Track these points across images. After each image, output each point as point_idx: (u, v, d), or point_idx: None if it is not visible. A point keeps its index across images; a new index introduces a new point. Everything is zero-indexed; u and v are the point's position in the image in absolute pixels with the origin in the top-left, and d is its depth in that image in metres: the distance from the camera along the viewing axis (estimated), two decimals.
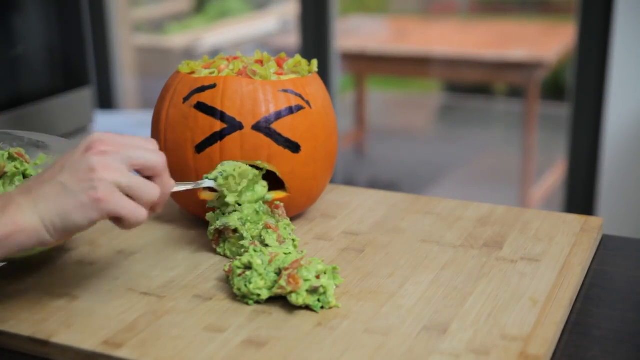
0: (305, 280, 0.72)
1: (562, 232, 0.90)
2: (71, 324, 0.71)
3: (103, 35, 2.85)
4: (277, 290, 0.72)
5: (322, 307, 0.73)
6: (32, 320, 0.72)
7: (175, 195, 0.93)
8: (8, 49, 1.43)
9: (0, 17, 1.41)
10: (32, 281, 0.80)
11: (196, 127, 0.87)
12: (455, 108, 4.04)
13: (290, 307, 0.73)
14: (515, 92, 3.70)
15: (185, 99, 0.88)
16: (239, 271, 0.75)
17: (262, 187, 0.88)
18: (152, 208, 0.72)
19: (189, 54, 3.64)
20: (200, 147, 0.87)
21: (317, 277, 0.74)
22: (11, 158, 0.87)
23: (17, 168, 0.86)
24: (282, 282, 0.71)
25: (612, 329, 0.72)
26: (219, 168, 0.82)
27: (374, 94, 4.03)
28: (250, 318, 0.71)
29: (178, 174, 0.89)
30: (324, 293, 0.73)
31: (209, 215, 0.84)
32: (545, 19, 3.77)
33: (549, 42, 3.24)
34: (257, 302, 0.74)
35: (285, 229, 0.82)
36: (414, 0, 4.22)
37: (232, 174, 0.81)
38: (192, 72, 0.91)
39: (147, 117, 2.47)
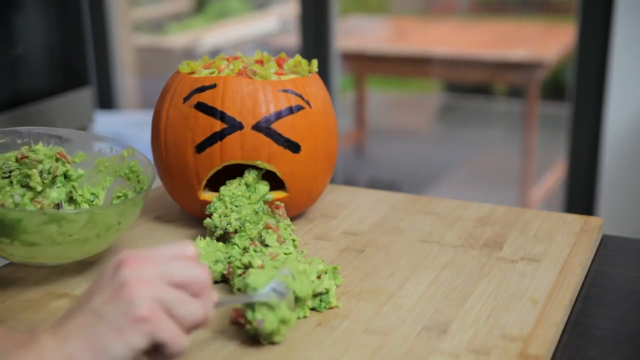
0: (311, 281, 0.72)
1: (562, 232, 0.90)
2: None
3: (103, 35, 2.85)
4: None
5: (323, 307, 0.73)
6: (32, 320, 0.72)
7: (176, 195, 0.93)
8: (8, 49, 1.43)
9: (0, 17, 1.41)
10: (32, 281, 0.80)
11: (196, 127, 0.87)
12: (455, 108, 4.04)
13: None
14: (515, 92, 3.70)
15: (186, 99, 0.88)
16: (239, 271, 0.75)
17: (263, 186, 0.88)
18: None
19: (189, 54, 3.64)
20: (201, 147, 0.87)
21: (318, 277, 0.74)
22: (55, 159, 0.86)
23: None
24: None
25: (612, 329, 0.72)
26: (275, 277, 0.68)
27: (374, 94, 4.03)
28: None
29: (178, 174, 0.89)
30: (325, 293, 0.73)
31: (206, 222, 0.84)
32: (545, 19, 3.77)
33: (549, 42, 3.24)
34: None
35: (285, 229, 0.82)
36: (414, 0, 4.22)
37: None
38: (192, 72, 0.91)
39: (147, 117, 2.47)
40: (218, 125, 0.86)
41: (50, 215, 0.73)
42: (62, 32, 1.55)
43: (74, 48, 1.59)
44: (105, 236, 0.77)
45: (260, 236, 0.81)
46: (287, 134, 0.87)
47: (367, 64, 3.33)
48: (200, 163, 0.88)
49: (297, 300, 0.69)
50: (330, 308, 0.73)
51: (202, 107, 0.87)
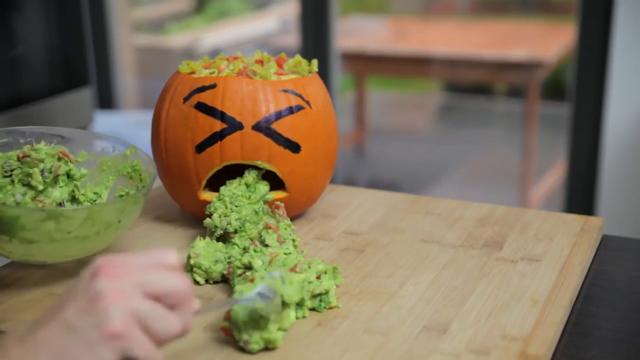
0: (309, 282, 0.72)
1: (562, 232, 0.90)
2: None
3: (103, 35, 2.85)
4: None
5: (323, 307, 0.73)
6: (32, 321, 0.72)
7: (176, 195, 0.93)
8: (8, 49, 1.43)
9: (0, 17, 1.41)
10: (32, 281, 0.80)
11: (196, 127, 0.87)
12: (455, 108, 4.04)
13: None
14: (515, 92, 3.70)
15: (186, 99, 0.88)
16: (239, 271, 0.75)
17: (263, 186, 0.88)
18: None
19: (189, 54, 3.64)
20: (201, 147, 0.87)
21: (318, 277, 0.74)
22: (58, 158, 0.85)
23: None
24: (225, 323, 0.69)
25: (612, 329, 0.71)
26: (259, 282, 0.68)
27: (374, 94, 4.03)
28: None
29: (178, 174, 0.89)
30: (325, 293, 0.73)
31: (206, 222, 0.84)
32: (545, 19, 3.77)
33: (549, 42, 3.25)
34: None
35: (285, 229, 0.82)
36: (414, 0, 4.22)
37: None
38: (192, 72, 0.91)
39: (147, 117, 2.47)
40: (218, 125, 0.86)
41: (48, 212, 0.72)
42: (62, 32, 1.55)
43: (74, 48, 1.59)
44: (104, 234, 0.77)
45: (260, 236, 0.81)
46: (287, 134, 0.87)
47: (367, 64, 3.33)
48: (200, 163, 0.87)
49: (284, 305, 0.67)
50: (330, 308, 0.73)
51: (202, 107, 0.87)
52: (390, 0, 4.28)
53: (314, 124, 0.89)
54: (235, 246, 0.82)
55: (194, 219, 0.96)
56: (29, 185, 0.82)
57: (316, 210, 0.98)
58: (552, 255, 0.84)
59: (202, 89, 0.87)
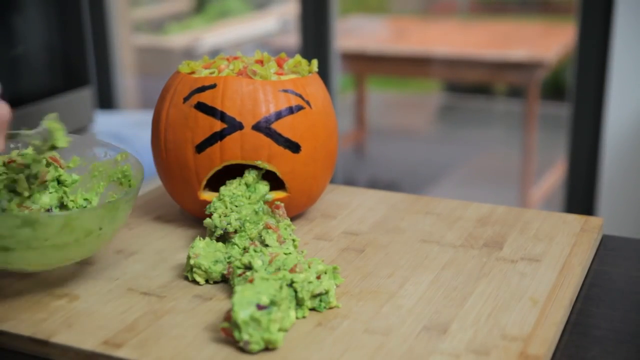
0: (309, 283, 0.72)
1: (562, 232, 0.90)
2: (71, 324, 0.71)
3: (103, 35, 2.86)
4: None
5: (323, 307, 0.73)
6: (32, 320, 0.72)
7: (176, 195, 0.93)
8: (8, 49, 1.43)
9: (0, 17, 1.41)
10: (32, 281, 0.80)
11: (196, 127, 0.87)
12: (455, 108, 4.05)
13: None
14: (515, 92, 3.71)
15: (186, 99, 0.88)
16: (239, 271, 0.75)
17: (263, 186, 0.88)
18: None
19: (189, 54, 3.64)
20: (201, 147, 0.87)
21: (318, 277, 0.74)
22: (47, 164, 0.84)
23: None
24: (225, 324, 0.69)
25: (612, 329, 0.72)
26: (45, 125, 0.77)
27: (374, 94, 4.03)
28: None
29: (178, 174, 0.89)
30: (325, 293, 0.73)
31: (206, 222, 0.84)
32: (545, 19, 3.77)
33: (549, 42, 3.25)
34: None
35: (285, 229, 0.82)
36: (414, 0, 4.23)
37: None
38: (192, 72, 0.91)
39: (147, 117, 2.47)
40: (218, 125, 0.86)
41: (22, 218, 0.70)
42: (62, 32, 1.55)
43: (74, 48, 1.59)
44: (85, 242, 0.74)
45: (260, 236, 0.81)
46: (287, 134, 0.87)
47: (367, 64, 3.33)
48: (200, 163, 0.88)
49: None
50: (330, 308, 0.73)
51: (202, 107, 0.87)
52: (390, 0, 4.28)
53: (314, 124, 0.89)
54: (235, 246, 0.82)
55: (194, 219, 0.96)
56: (15, 192, 0.80)
57: (316, 210, 0.98)
58: (552, 255, 0.84)
59: (202, 89, 0.87)
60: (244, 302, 0.66)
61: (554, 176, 3.07)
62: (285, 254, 0.77)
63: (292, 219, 0.95)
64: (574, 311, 0.75)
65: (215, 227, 0.83)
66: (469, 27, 3.66)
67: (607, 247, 0.90)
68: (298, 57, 0.93)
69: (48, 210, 0.82)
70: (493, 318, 0.71)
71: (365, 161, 3.56)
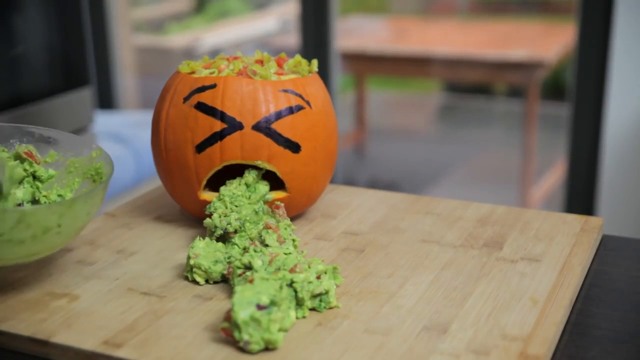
0: (309, 283, 0.72)
1: (562, 232, 0.90)
2: (71, 324, 0.71)
3: (103, 35, 2.86)
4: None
5: (323, 307, 0.73)
6: (32, 320, 0.72)
7: (176, 195, 0.93)
8: (8, 49, 1.43)
9: (0, 17, 1.41)
10: (32, 281, 0.80)
11: (196, 127, 0.87)
12: (455, 108, 4.05)
13: None
14: (515, 92, 3.71)
15: (186, 99, 0.88)
16: (239, 271, 0.75)
17: (263, 186, 0.88)
18: None
19: (189, 54, 3.64)
20: (201, 147, 0.87)
21: (318, 277, 0.74)
22: (19, 158, 0.83)
23: (25, 170, 0.83)
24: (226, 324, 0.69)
25: (612, 329, 0.72)
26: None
27: (374, 94, 4.04)
28: None
29: (178, 174, 0.89)
30: (325, 293, 0.73)
31: (206, 222, 0.84)
32: (545, 19, 3.77)
33: (549, 42, 3.25)
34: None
35: (285, 229, 0.82)
36: (414, 0, 4.23)
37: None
38: (192, 72, 0.91)
39: (147, 117, 2.47)
40: (218, 125, 0.86)
41: None
42: (62, 32, 1.55)
43: (74, 48, 1.59)
44: (43, 238, 0.73)
45: (260, 236, 0.81)
46: (287, 134, 0.87)
47: (367, 64, 3.33)
48: (200, 163, 0.88)
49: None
50: (330, 308, 0.73)
51: (202, 107, 0.87)
52: (390, 0, 4.28)
53: (314, 124, 0.89)
54: (235, 246, 0.82)
55: (194, 219, 0.96)
56: None
57: (316, 210, 0.98)
58: (552, 255, 0.84)
59: (202, 89, 0.87)
60: (244, 302, 0.66)
61: (554, 176, 3.07)
62: (285, 254, 0.77)
63: (292, 219, 0.95)
64: (574, 311, 0.75)
65: (215, 227, 0.83)
66: (469, 27, 3.66)
67: (607, 247, 0.90)
68: (298, 57, 0.93)
69: (20, 205, 0.82)
70: (493, 318, 0.71)
71: (365, 161, 3.56)
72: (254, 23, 4.10)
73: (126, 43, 3.15)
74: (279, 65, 0.92)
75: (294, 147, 0.88)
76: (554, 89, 3.57)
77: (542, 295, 0.75)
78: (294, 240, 0.81)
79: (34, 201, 0.83)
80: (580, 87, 2.10)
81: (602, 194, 2.09)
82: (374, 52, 3.25)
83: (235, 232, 0.82)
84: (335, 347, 0.66)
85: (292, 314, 0.70)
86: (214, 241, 0.82)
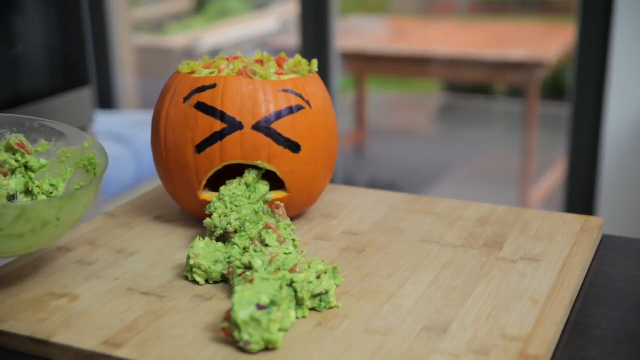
0: (309, 282, 0.72)
1: (562, 232, 0.90)
2: (71, 324, 0.71)
3: (103, 35, 2.86)
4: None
5: (323, 307, 0.73)
6: (32, 320, 0.72)
7: (176, 195, 0.93)
8: (8, 49, 1.43)
9: (0, 17, 1.41)
10: (32, 281, 0.80)
11: (196, 127, 0.87)
12: (455, 108, 4.05)
13: None
14: (515, 92, 3.71)
15: (186, 99, 0.88)
16: (239, 271, 0.75)
17: (263, 186, 0.88)
18: None
19: (189, 54, 3.64)
20: (201, 147, 0.87)
21: (318, 277, 0.74)
22: (11, 150, 0.83)
23: (17, 161, 0.83)
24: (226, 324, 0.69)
25: (612, 329, 0.72)
26: None
27: (374, 94, 4.04)
28: None
29: (178, 174, 0.89)
30: (325, 293, 0.73)
31: (206, 222, 0.84)
32: (545, 19, 3.77)
33: (549, 42, 3.25)
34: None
35: (285, 229, 0.82)
36: (414, 0, 4.23)
37: None
38: (192, 72, 0.91)
39: (147, 117, 2.48)
40: (218, 125, 0.86)
41: None
42: (62, 32, 1.55)
43: (74, 48, 1.59)
44: (42, 232, 0.73)
45: (260, 236, 0.81)
46: (287, 133, 0.87)
47: (367, 64, 3.33)
48: (200, 163, 0.88)
49: None
50: (330, 308, 0.73)
51: (202, 107, 0.87)
52: (390, 0, 4.28)
53: (314, 124, 0.89)
54: (235, 246, 0.82)
55: (194, 219, 0.96)
56: None
57: (316, 210, 0.98)
58: (552, 255, 0.84)
59: (202, 89, 0.87)
60: (244, 302, 0.66)
61: (554, 176, 3.07)
62: (285, 254, 0.77)
63: (292, 219, 0.95)
64: (574, 311, 0.75)
65: (215, 227, 0.83)
66: (469, 27, 3.66)
67: (607, 247, 0.90)
68: (298, 57, 0.93)
69: (13, 196, 0.82)
70: (493, 318, 0.71)
71: (365, 161, 3.56)
72: (254, 23, 4.10)
73: (126, 43, 3.15)
74: (279, 65, 0.92)
75: (294, 147, 0.88)
76: (554, 89, 3.57)
77: (542, 295, 0.75)
78: (294, 240, 0.81)
79: (27, 192, 0.83)
80: (580, 87, 2.10)
81: (602, 194, 2.09)
82: (374, 52, 3.25)
83: (235, 232, 0.82)
84: (335, 347, 0.66)
85: (292, 314, 0.70)
86: (214, 241, 0.82)
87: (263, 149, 0.87)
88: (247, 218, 0.83)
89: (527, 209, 0.97)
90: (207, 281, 0.79)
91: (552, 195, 2.99)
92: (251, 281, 0.70)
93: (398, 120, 4.10)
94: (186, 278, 0.80)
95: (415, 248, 0.86)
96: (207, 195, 0.90)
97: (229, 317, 0.67)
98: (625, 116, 2.01)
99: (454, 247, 0.86)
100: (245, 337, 0.65)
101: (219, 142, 0.86)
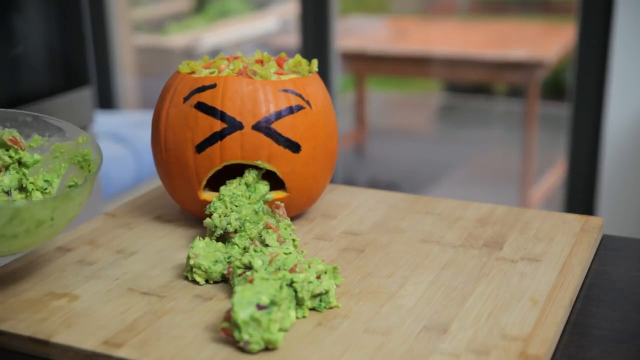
0: (309, 282, 0.72)
1: (562, 232, 0.90)
2: (71, 324, 0.71)
3: (103, 35, 2.86)
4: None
5: (323, 307, 0.73)
6: (32, 320, 0.72)
7: (176, 195, 0.93)
8: (8, 49, 1.43)
9: (0, 17, 1.41)
10: (32, 281, 0.80)
11: (196, 127, 0.87)
12: (455, 108, 4.05)
13: None
14: (515, 92, 3.71)
15: (186, 99, 0.88)
16: (239, 271, 0.75)
17: (263, 186, 0.88)
18: None
19: (189, 54, 3.64)
20: (201, 147, 0.87)
21: (318, 277, 0.74)
22: (4, 146, 0.82)
23: (11, 157, 0.82)
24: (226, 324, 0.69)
25: (612, 329, 0.72)
26: None
27: (374, 94, 4.04)
28: None
29: (178, 174, 0.89)
30: (325, 293, 0.73)
31: (206, 222, 0.84)
32: (545, 19, 3.77)
33: (549, 42, 3.25)
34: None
35: (285, 229, 0.82)
36: (414, 0, 4.23)
37: None
38: (192, 72, 0.91)
39: (147, 117, 2.48)
40: (218, 125, 0.86)
41: None
42: (62, 32, 1.55)
43: (74, 48, 1.59)
44: (36, 232, 0.73)
45: (260, 236, 0.81)
46: (287, 133, 0.87)
47: (367, 64, 3.33)
48: (200, 163, 0.88)
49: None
50: (330, 308, 0.73)
51: (202, 107, 0.87)
52: (390, 0, 4.28)
53: (314, 124, 0.89)
54: (235, 246, 0.82)
55: (194, 219, 0.96)
56: None
57: (316, 210, 0.98)
58: (552, 255, 0.84)
59: (202, 89, 0.87)
60: (244, 302, 0.66)
61: (554, 176, 3.07)
62: (285, 253, 0.77)
63: (292, 219, 0.95)
64: (574, 311, 0.75)
65: (215, 227, 0.83)
66: (469, 27, 3.66)
67: (607, 247, 0.90)
68: (298, 57, 0.93)
69: (7, 192, 0.81)
70: (493, 318, 0.71)
71: (365, 161, 3.56)
72: (254, 23, 4.10)
73: (126, 43, 3.15)
74: (279, 65, 0.92)
75: (294, 147, 0.88)
76: (554, 89, 3.57)
77: (542, 295, 0.75)
78: (294, 240, 0.81)
79: (21, 188, 0.83)
80: (580, 87, 2.10)
81: (602, 194, 2.09)
82: (374, 52, 3.25)
83: (235, 232, 0.82)
84: (335, 347, 0.66)
85: (292, 314, 0.70)
86: (214, 241, 0.82)
87: (263, 149, 0.87)
88: (247, 218, 0.83)
89: (527, 209, 0.97)
90: (207, 281, 0.79)
91: (552, 195, 2.99)
92: (251, 281, 0.70)
93: (398, 120, 4.10)
94: (186, 278, 0.80)
95: (415, 248, 0.86)
96: (207, 195, 0.90)
97: (229, 317, 0.67)
98: (625, 116, 2.01)
99: (454, 247, 0.86)
100: (245, 337, 0.65)
101: (219, 142, 0.86)
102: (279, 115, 0.87)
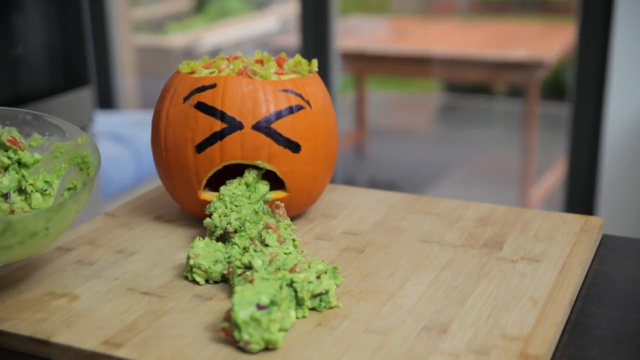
0: (309, 282, 0.72)
1: (562, 232, 0.90)
2: (71, 324, 0.71)
3: (103, 35, 2.86)
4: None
5: (323, 307, 0.73)
6: (32, 320, 0.72)
7: (176, 195, 0.93)
8: (8, 49, 1.43)
9: (0, 17, 1.41)
10: (32, 281, 0.80)
11: (196, 126, 0.87)
12: (455, 108, 4.05)
13: None
14: (515, 92, 3.71)
15: (186, 99, 0.88)
16: (239, 271, 0.75)
17: (263, 186, 0.88)
18: None
19: (189, 54, 3.64)
20: (201, 147, 0.87)
21: (318, 277, 0.74)
22: (2, 147, 0.81)
23: (10, 158, 0.81)
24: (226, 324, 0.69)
25: (612, 329, 0.72)
26: None
27: (374, 94, 4.04)
28: None
29: (178, 174, 0.89)
30: (325, 293, 0.73)
31: (206, 221, 0.84)
32: (545, 19, 3.77)
33: (549, 42, 3.25)
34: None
35: (285, 229, 0.82)
36: (414, 0, 4.23)
37: None
38: (192, 72, 0.91)
39: (147, 117, 2.48)
40: (218, 125, 0.86)
41: None
42: (62, 32, 1.55)
43: (74, 48, 1.59)
44: (30, 242, 0.71)
45: (260, 236, 0.81)
46: (287, 133, 0.87)
47: (367, 64, 3.33)
48: (200, 163, 0.88)
49: None
50: (330, 308, 0.73)
51: (202, 107, 0.87)
52: (390, 0, 4.28)
53: (314, 123, 0.89)
54: (235, 246, 0.82)
55: (194, 219, 0.96)
56: None
57: (316, 210, 0.98)
58: (552, 255, 0.84)
59: (202, 89, 0.87)
60: (244, 302, 0.66)
61: (554, 176, 3.07)
62: (285, 253, 0.77)
63: (292, 219, 0.95)
64: (574, 311, 0.75)
65: (215, 227, 0.83)
66: (469, 27, 3.66)
67: (607, 247, 0.90)
68: (298, 57, 0.93)
69: (6, 194, 0.80)
70: (493, 318, 0.71)
71: (365, 161, 3.56)
72: (254, 23, 4.10)
73: (126, 43, 3.15)
74: (279, 65, 0.92)
75: (294, 147, 0.88)
76: (554, 89, 3.57)
77: (542, 295, 0.75)
78: (294, 240, 0.81)
79: (20, 190, 0.82)
80: (580, 87, 2.10)
81: (602, 194, 2.09)
82: (374, 52, 3.25)
83: (235, 232, 0.82)
84: (335, 347, 0.66)
85: (292, 313, 0.70)
86: (214, 241, 0.82)
87: (263, 148, 0.87)
88: (247, 218, 0.83)
89: (527, 209, 0.97)
90: (207, 281, 0.79)
91: (552, 195, 2.99)
92: (251, 281, 0.70)
93: (398, 120, 4.10)
94: (186, 278, 0.80)
95: (415, 248, 0.86)
96: (207, 195, 0.90)
97: (229, 317, 0.67)
98: (625, 116, 2.01)
99: (454, 247, 0.86)
100: (245, 337, 0.65)
101: (219, 142, 0.86)
102: (279, 115, 0.87)
